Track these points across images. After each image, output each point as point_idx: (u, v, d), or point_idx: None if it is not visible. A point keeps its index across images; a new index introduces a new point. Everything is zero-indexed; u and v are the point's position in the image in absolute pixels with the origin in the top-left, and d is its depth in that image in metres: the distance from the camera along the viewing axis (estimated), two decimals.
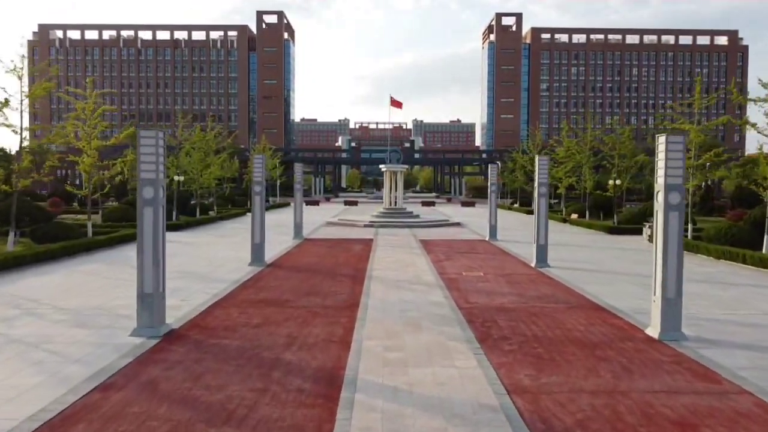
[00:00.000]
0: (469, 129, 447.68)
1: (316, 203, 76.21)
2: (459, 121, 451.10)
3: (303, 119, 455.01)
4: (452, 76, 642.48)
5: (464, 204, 74.47)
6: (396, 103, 54.87)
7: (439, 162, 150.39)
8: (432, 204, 74.81)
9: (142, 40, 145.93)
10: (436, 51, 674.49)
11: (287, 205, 71.37)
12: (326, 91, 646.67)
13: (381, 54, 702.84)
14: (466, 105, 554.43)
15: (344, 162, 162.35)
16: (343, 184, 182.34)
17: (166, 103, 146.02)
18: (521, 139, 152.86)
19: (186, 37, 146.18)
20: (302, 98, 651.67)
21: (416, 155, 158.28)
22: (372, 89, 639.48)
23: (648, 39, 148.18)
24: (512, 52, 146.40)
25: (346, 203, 75.33)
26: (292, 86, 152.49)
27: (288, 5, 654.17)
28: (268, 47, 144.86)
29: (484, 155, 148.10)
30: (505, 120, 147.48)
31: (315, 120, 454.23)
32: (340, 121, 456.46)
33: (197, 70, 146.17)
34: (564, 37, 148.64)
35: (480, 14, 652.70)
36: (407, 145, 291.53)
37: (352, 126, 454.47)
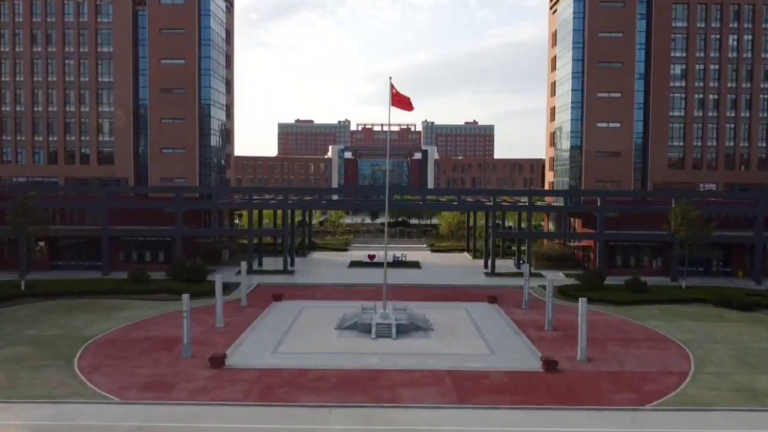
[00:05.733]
0: (488, 131, 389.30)
1: None
2: (475, 122, 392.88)
3: (298, 120, 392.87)
4: (467, 76, 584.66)
5: None
6: (401, 102, 42.36)
7: (480, 208, 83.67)
8: None
9: None
10: (449, 49, 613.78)
11: None
12: (332, 92, 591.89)
13: (393, 53, 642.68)
14: (481, 104, 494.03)
15: (304, 207, 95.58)
16: (325, 220, 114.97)
17: None
18: (634, 167, 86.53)
19: None
20: (302, 99, 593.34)
21: (432, 186, 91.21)
22: (381, 88, 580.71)
23: None
24: (620, 7, 78.94)
25: None
26: (216, 70, 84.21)
27: (303, 2, 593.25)
28: None
29: (561, 199, 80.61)
30: (604, 132, 79.39)
31: (311, 122, 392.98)
32: (339, 122, 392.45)
33: (40, 40, 79.96)
34: None
35: (497, 14, 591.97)
36: (417, 156, 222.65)
37: (353, 128, 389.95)
